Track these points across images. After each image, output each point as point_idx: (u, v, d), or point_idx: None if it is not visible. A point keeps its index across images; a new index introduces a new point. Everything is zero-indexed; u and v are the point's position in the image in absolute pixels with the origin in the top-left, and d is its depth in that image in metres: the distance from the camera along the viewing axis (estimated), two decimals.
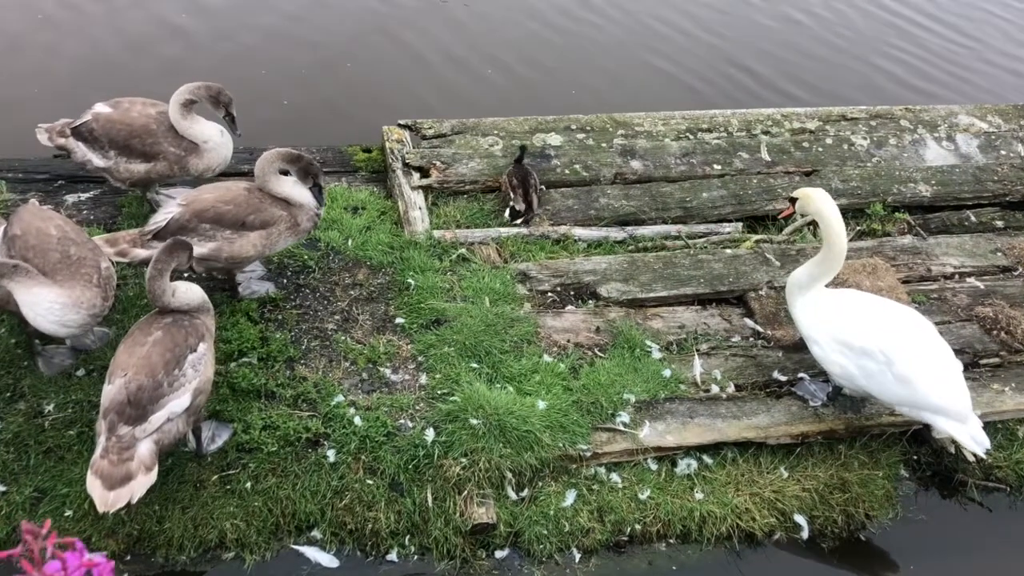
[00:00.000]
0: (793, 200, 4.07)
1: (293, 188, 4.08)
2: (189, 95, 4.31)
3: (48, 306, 3.40)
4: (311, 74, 6.78)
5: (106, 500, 3.11)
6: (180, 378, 3.28)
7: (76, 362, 3.92)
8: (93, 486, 3.13)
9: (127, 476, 3.14)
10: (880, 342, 3.77)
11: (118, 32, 6.95)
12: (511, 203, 4.99)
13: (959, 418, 3.75)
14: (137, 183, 4.48)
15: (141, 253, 3.89)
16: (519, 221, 4.96)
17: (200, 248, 3.89)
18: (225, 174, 4.70)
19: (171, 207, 3.97)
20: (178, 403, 3.27)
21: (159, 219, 3.94)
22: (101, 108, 4.40)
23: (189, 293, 3.49)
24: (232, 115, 4.41)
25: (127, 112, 4.36)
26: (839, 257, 3.90)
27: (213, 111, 4.41)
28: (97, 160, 4.39)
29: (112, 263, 3.79)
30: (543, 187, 5.24)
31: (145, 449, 3.20)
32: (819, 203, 3.93)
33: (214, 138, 4.42)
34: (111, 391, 3.22)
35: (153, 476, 3.21)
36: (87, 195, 4.90)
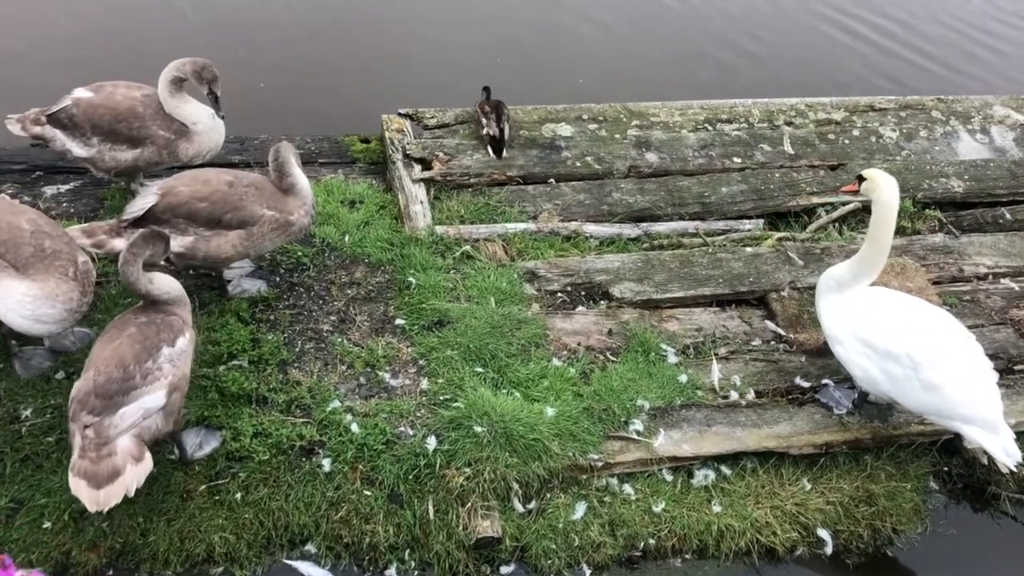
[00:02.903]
0: (861, 179, 4.01)
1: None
2: (177, 72, 4.30)
3: (20, 299, 3.39)
4: (307, 59, 6.76)
5: (96, 499, 3.11)
6: (154, 371, 3.29)
7: (55, 364, 3.90)
8: (78, 487, 3.12)
9: (114, 472, 3.14)
10: (906, 345, 3.73)
11: (89, 16, 6.93)
12: (484, 129, 5.22)
13: (990, 428, 3.71)
14: (123, 172, 4.46)
15: (119, 243, 3.86)
16: (493, 151, 5.20)
17: (174, 243, 3.87)
18: (214, 164, 4.68)
19: (149, 196, 3.95)
20: (152, 399, 3.27)
21: (136, 207, 3.93)
22: (81, 93, 4.36)
23: (168, 282, 3.53)
24: (216, 94, 4.38)
25: (111, 96, 4.34)
26: (884, 253, 3.87)
27: (198, 88, 4.38)
28: (78, 149, 4.36)
29: (92, 259, 3.78)
30: (552, 179, 5.24)
31: (127, 441, 3.21)
32: (887, 193, 3.85)
33: (204, 121, 4.40)
34: (79, 383, 3.25)
35: (147, 464, 3.23)
36: (67, 187, 4.89)
